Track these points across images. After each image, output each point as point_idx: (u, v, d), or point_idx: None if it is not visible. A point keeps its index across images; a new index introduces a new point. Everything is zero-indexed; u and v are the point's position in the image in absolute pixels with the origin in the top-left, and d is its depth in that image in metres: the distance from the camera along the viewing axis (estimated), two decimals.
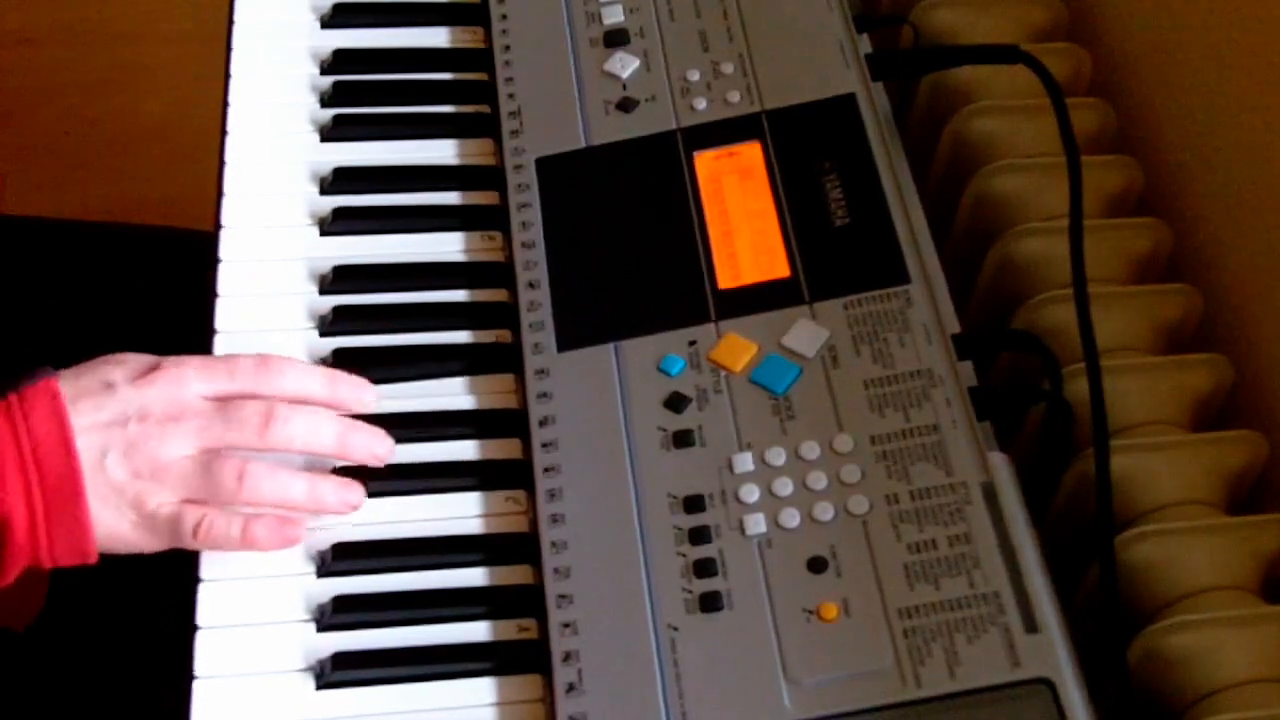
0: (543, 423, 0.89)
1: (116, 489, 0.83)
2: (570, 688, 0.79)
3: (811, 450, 0.84)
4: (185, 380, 0.85)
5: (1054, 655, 0.76)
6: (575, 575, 0.83)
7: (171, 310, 0.96)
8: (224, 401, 0.86)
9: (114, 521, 0.84)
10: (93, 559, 0.84)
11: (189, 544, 0.85)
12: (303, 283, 0.97)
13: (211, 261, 0.97)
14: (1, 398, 0.83)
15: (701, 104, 1.00)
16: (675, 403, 0.88)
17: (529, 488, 0.88)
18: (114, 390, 0.84)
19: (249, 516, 0.85)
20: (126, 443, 0.83)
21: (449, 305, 0.97)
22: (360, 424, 0.89)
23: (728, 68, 1.01)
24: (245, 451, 0.85)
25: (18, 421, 0.82)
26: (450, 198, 1.02)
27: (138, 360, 0.86)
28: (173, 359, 0.86)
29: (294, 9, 1.10)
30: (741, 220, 0.94)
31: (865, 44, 1.02)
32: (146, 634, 1.08)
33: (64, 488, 0.82)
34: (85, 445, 0.83)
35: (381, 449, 0.89)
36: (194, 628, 0.83)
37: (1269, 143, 0.95)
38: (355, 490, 0.87)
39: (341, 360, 0.93)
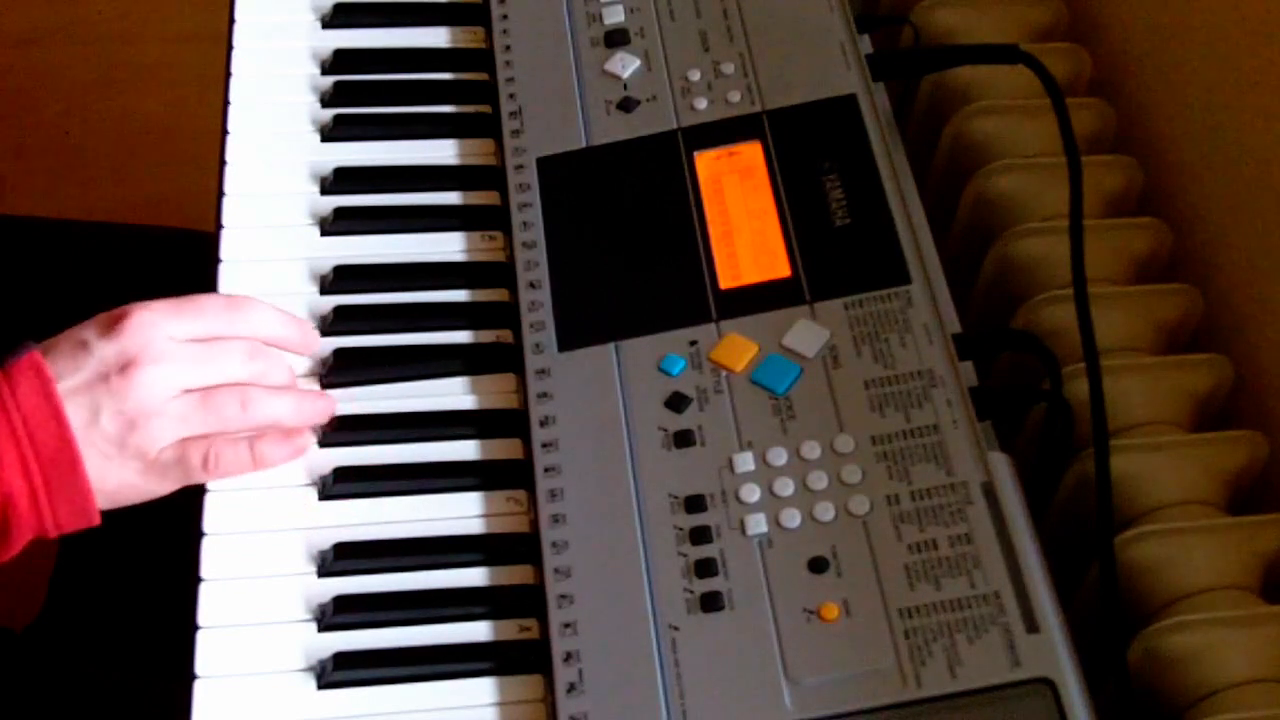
0: (543, 423, 0.89)
1: (116, 443, 0.84)
2: (571, 688, 0.79)
3: (812, 450, 0.84)
4: (156, 323, 0.86)
5: (1054, 655, 0.76)
6: (576, 575, 0.83)
7: None
8: (202, 343, 0.87)
9: (121, 475, 0.85)
10: (96, 521, 0.85)
11: (200, 479, 0.86)
12: (303, 283, 0.97)
13: (212, 261, 0.97)
14: None
15: (702, 104, 1.00)
16: (676, 403, 0.88)
17: (530, 488, 0.88)
18: (89, 347, 0.85)
19: (253, 438, 0.86)
20: (114, 395, 0.84)
21: (450, 305, 0.97)
22: (311, 393, 0.91)
23: (728, 68, 1.01)
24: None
25: (5, 398, 0.82)
26: (451, 198, 1.02)
27: (105, 315, 0.87)
28: (139, 304, 0.87)
29: (294, 9, 1.10)
30: (742, 220, 0.94)
31: (866, 44, 1.03)
32: (146, 633, 1.08)
33: (60, 458, 0.83)
34: (75, 409, 0.83)
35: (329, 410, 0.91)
36: (195, 627, 0.83)
37: (1269, 143, 0.95)
38: (329, 399, 0.90)
39: (342, 360, 0.93)
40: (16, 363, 0.84)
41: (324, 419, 0.90)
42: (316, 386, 0.92)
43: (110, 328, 0.86)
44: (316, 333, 0.93)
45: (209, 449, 0.86)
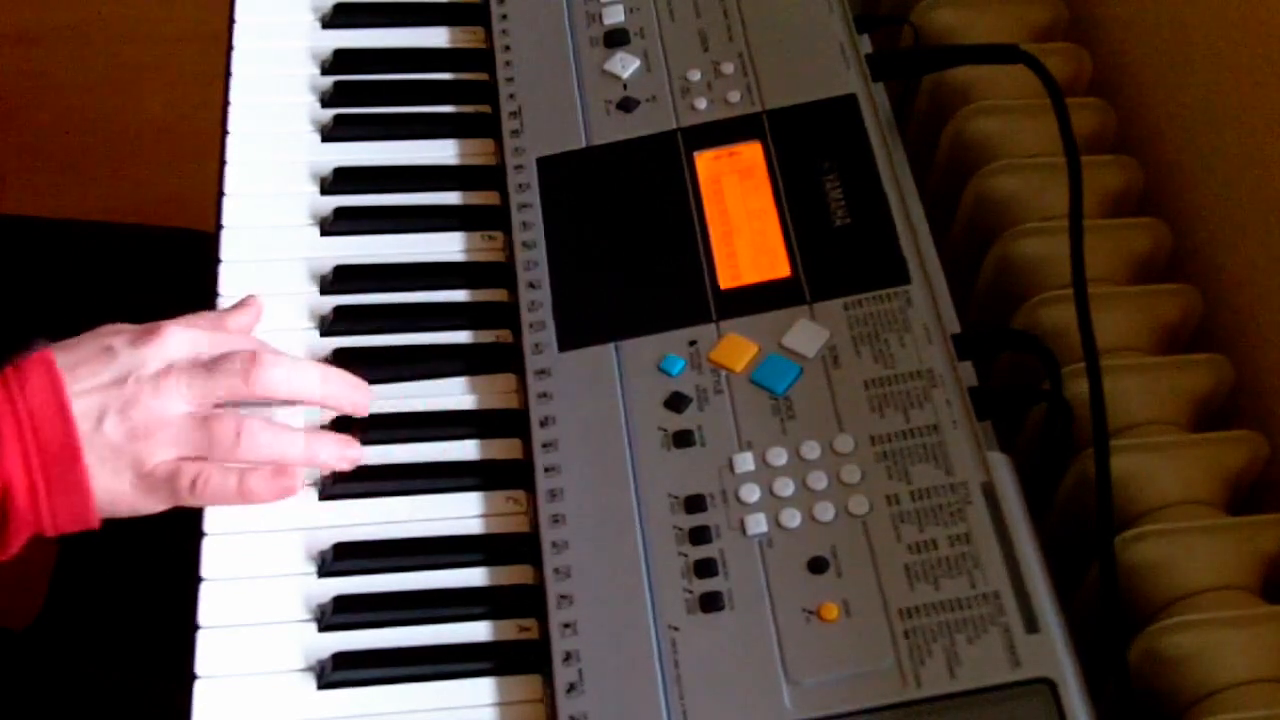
0: (543, 423, 0.89)
1: (115, 449, 0.84)
2: (570, 688, 0.79)
3: (812, 450, 0.84)
4: (179, 340, 0.87)
5: (1054, 655, 0.76)
6: (576, 575, 0.83)
7: (171, 310, 0.95)
8: (213, 358, 0.87)
9: (113, 483, 0.84)
10: (94, 524, 0.85)
11: (186, 500, 0.86)
12: (303, 283, 0.97)
13: (212, 261, 0.97)
14: None
15: (702, 104, 1.00)
16: (676, 403, 0.88)
17: (529, 488, 0.88)
18: (114, 354, 0.85)
19: (245, 470, 0.86)
20: (123, 401, 0.84)
21: (449, 305, 0.97)
22: (339, 371, 0.90)
23: (728, 68, 1.01)
24: (242, 407, 0.87)
25: (14, 392, 0.83)
26: (451, 198, 1.02)
27: (135, 327, 0.87)
28: (171, 323, 0.88)
29: (294, 9, 1.10)
30: (742, 220, 0.94)
31: (865, 44, 1.03)
32: (146, 633, 1.08)
33: (63, 455, 0.83)
34: (83, 409, 0.83)
35: (361, 397, 0.90)
36: (195, 627, 0.83)
37: (1269, 143, 0.95)
38: (353, 446, 0.89)
39: (342, 360, 0.93)
40: (29, 359, 0.84)
41: (339, 465, 0.88)
42: None
43: (139, 338, 0.86)
44: (346, 379, 0.90)
45: (199, 472, 0.85)
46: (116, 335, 0.87)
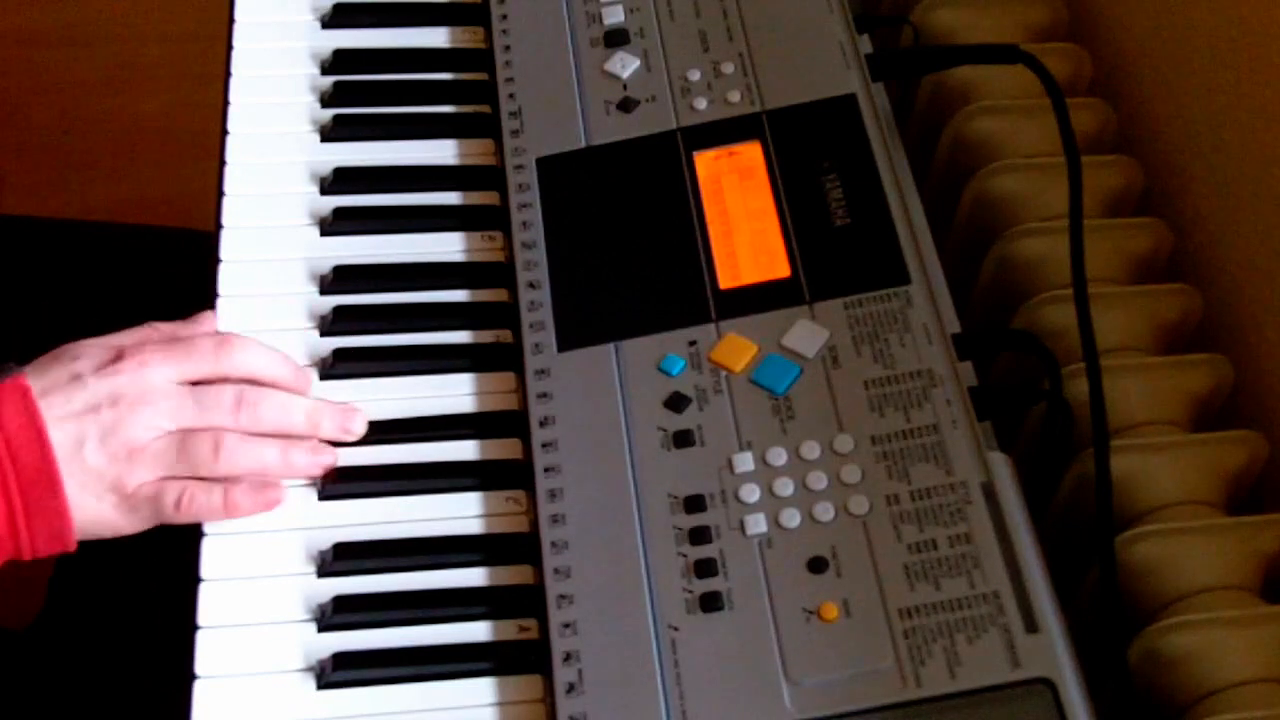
0: (543, 423, 0.89)
1: (96, 475, 0.84)
2: (570, 688, 0.79)
3: (812, 450, 0.84)
4: (150, 365, 0.87)
5: (1054, 655, 0.76)
6: (575, 575, 0.83)
7: (171, 310, 0.96)
8: (195, 386, 0.88)
9: (96, 507, 0.85)
10: (72, 548, 0.85)
11: (171, 519, 0.86)
12: (303, 283, 0.97)
13: (212, 261, 0.97)
14: None
15: (702, 104, 1.00)
16: (675, 403, 0.88)
17: (529, 488, 0.88)
18: (83, 381, 0.85)
19: (229, 484, 0.86)
20: (102, 429, 0.84)
21: (449, 305, 0.97)
22: (329, 402, 0.90)
23: (728, 68, 1.01)
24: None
25: None
26: (450, 198, 1.02)
27: (100, 350, 0.88)
28: (133, 345, 0.88)
29: (294, 9, 1.10)
30: (741, 220, 0.94)
31: (865, 44, 1.03)
32: (146, 634, 1.08)
33: (40, 480, 0.83)
34: (61, 436, 0.84)
35: (353, 424, 0.90)
36: (194, 628, 0.83)
37: (1269, 143, 0.95)
38: (327, 453, 0.89)
39: (342, 360, 0.93)
40: (2, 385, 0.84)
41: (316, 472, 0.88)
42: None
43: (104, 365, 0.86)
44: (310, 374, 0.92)
45: (184, 490, 0.85)
46: (81, 360, 0.87)
